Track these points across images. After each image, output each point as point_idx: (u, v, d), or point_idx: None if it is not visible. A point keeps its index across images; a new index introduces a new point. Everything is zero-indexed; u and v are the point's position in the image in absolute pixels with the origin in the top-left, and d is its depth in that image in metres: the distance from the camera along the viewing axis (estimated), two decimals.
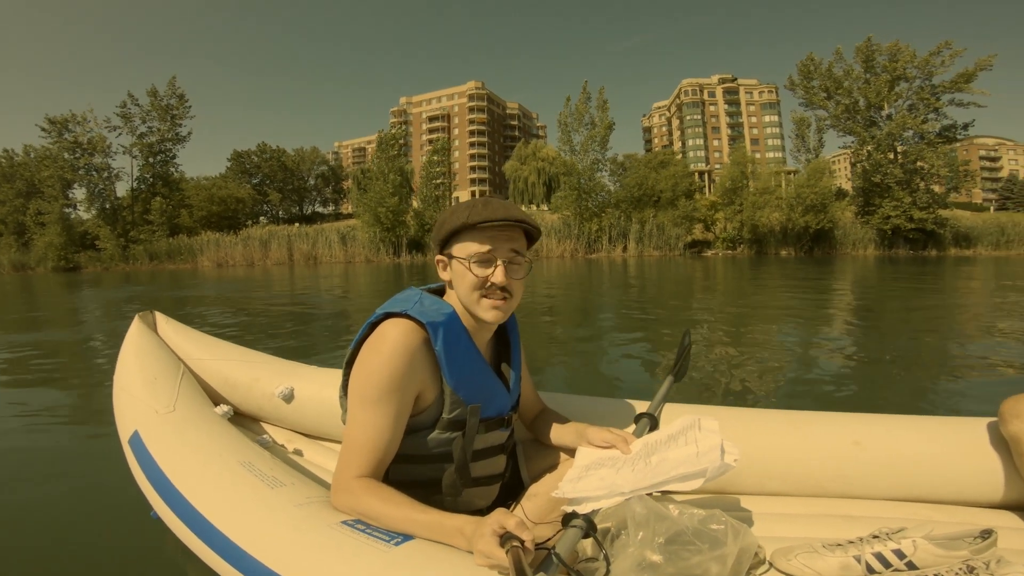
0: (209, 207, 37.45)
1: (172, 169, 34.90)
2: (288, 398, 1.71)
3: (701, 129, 69.81)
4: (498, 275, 1.00)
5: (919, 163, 26.05)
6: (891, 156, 27.00)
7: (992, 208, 44.43)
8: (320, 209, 59.20)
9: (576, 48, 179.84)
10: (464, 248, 1.01)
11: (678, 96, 73.81)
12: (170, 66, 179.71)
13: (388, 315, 1.00)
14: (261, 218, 50.46)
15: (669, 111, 77.83)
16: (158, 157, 33.92)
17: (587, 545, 0.90)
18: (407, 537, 0.85)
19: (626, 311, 7.28)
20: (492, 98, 77.61)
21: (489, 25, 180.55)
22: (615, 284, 11.87)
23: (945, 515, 1.16)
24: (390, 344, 0.95)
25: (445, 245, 1.06)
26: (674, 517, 0.89)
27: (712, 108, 71.01)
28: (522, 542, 0.74)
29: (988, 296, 8.19)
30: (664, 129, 78.61)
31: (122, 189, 34.80)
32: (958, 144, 74.67)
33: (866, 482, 1.22)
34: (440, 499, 1.07)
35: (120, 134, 33.18)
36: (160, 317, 2.02)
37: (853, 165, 29.29)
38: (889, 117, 26.90)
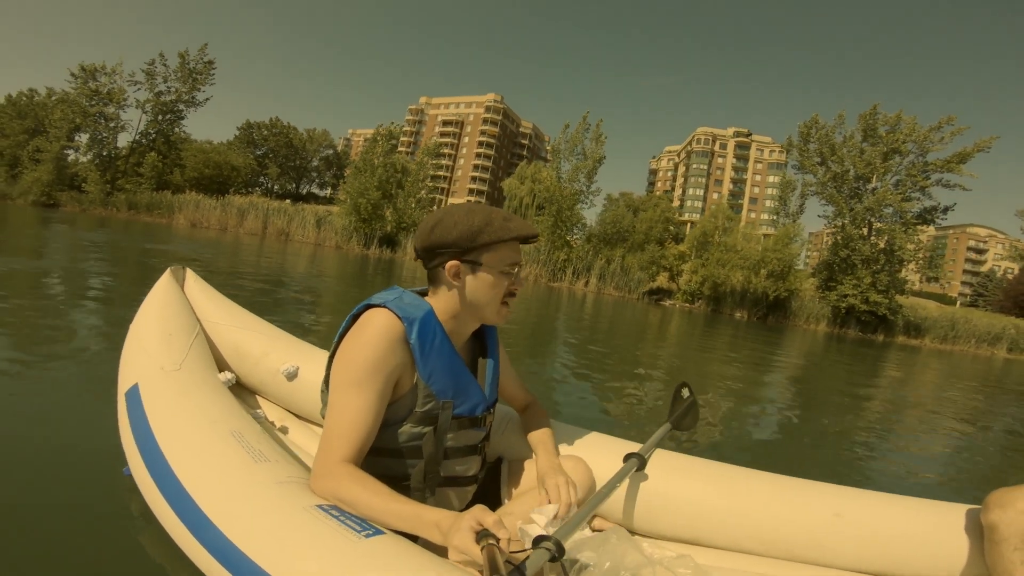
0: (202, 169, 37.90)
1: (177, 128, 35.65)
2: (292, 376, 1.69)
3: (704, 179, 70.72)
4: (519, 282, 1.11)
5: (888, 243, 26.00)
6: (864, 232, 27.01)
7: (958, 303, 44.99)
8: (316, 191, 59.89)
9: (603, 79, 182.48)
10: (501, 257, 1.07)
11: (690, 143, 74.88)
12: (202, 33, 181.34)
13: (369, 307, 1.05)
14: (256, 189, 51.08)
15: (678, 156, 78.87)
16: (167, 116, 34.66)
17: (557, 570, 0.90)
18: (378, 530, 0.85)
19: (601, 350, 7.42)
20: (508, 113, 78.78)
21: (522, 42, 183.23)
22: (581, 319, 12.11)
23: None
24: (371, 331, 0.99)
25: (469, 252, 1.06)
26: (646, 553, 0.89)
27: (720, 160, 72.00)
28: (498, 540, 0.74)
29: (943, 389, 8.64)
30: (670, 174, 79.62)
31: (123, 140, 35.57)
32: (950, 231, 74.45)
33: (840, 553, 1.24)
34: (410, 495, 1.07)
35: (140, 89, 33.98)
36: (190, 274, 2.01)
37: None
38: (874, 191, 26.67)
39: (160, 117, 34.41)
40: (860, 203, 26.77)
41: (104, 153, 33.70)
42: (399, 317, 1.02)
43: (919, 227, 26.33)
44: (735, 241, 27.13)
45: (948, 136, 25.16)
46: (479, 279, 1.07)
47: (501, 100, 76.97)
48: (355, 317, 1.06)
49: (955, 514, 1.24)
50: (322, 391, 1.11)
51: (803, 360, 10.78)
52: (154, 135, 34.74)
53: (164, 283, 1.87)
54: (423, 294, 1.15)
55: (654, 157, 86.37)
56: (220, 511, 0.92)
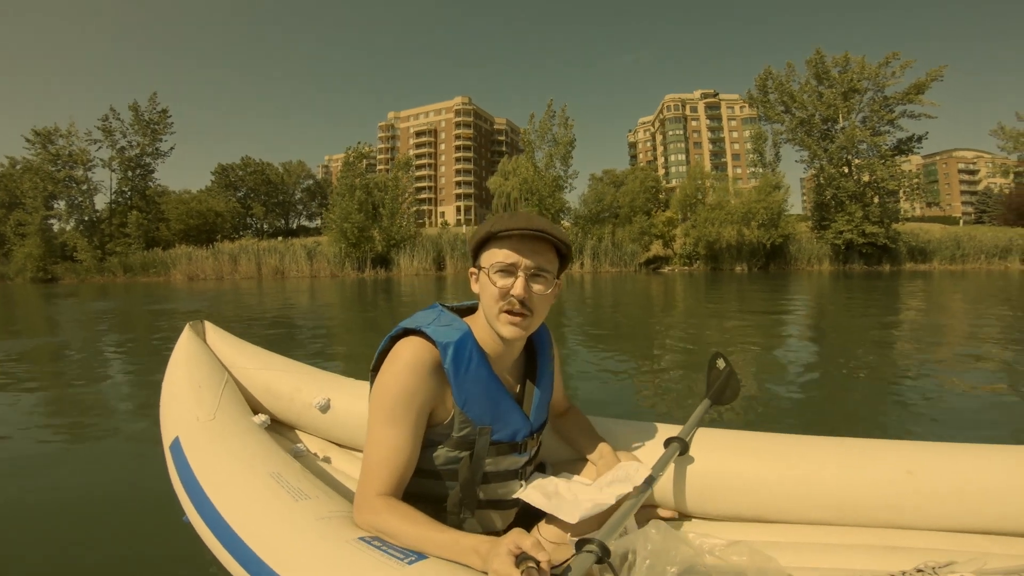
0: (187, 220, 38.12)
1: (150, 183, 35.80)
2: (325, 408, 1.74)
3: (683, 144, 70.70)
4: (517, 287, 0.99)
5: (871, 177, 26.41)
6: (845, 170, 27.32)
7: (961, 222, 44.83)
8: (306, 223, 60.06)
9: (568, 66, 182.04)
10: (489, 257, 1.02)
11: (661, 111, 74.88)
12: (157, 79, 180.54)
13: (406, 331, 1.03)
14: (246, 232, 51.15)
15: (653, 126, 78.86)
16: (137, 171, 34.83)
17: (604, 570, 0.89)
18: (421, 556, 0.86)
19: (612, 332, 7.23)
20: (479, 113, 78.77)
21: (481, 43, 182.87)
22: (583, 301, 11.99)
23: (1002, 547, 1.09)
24: (401, 363, 0.98)
25: (476, 257, 1.06)
26: (694, 546, 0.85)
27: (694, 123, 71.96)
28: (538, 563, 0.73)
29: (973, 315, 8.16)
30: (648, 144, 79.61)
31: (101, 202, 35.78)
32: (937, 158, 74.79)
33: (918, 512, 1.15)
34: (445, 517, 1.07)
35: (100, 147, 34.12)
36: (209, 326, 2.08)
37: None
38: (842, 130, 27.27)
39: (130, 173, 34.57)
40: (832, 143, 27.27)
41: (86, 218, 33.95)
42: (433, 342, 0.99)
43: (897, 157, 26.86)
44: (721, 199, 27.20)
45: (899, 70, 26.20)
46: (481, 284, 1.03)
47: (470, 102, 76.96)
48: (393, 339, 1.05)
49: None
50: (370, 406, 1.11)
51: (818, 304, 10.53)
52: (129, 192, 34.92)
53: (186, 338, 1.94)
54: (466, 312, 1.12)
55: (630, 131, 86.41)
56: (272, 552, 0.95)
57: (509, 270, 1.00)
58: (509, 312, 1.00)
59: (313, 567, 0.88)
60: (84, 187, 34.10)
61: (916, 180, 27.93)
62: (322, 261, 27.58)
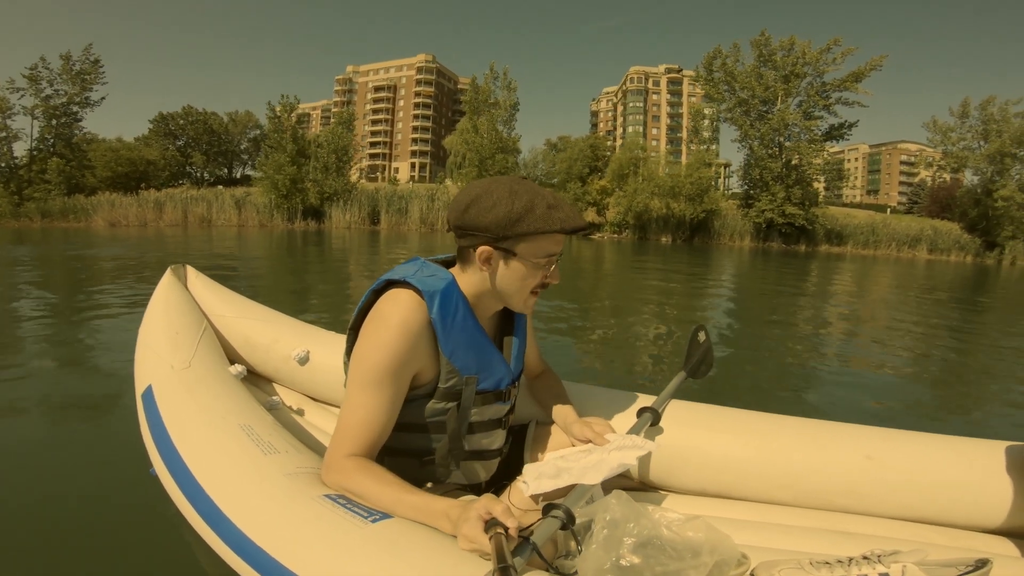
0: (114, 168, 36.47)
1: (76, 131, 34.13)
2: (303, 361, 1.70)
3: (642, 117, 71.09)
4: (555, 275, 1.02)
5: (797, 160, 27.25)
6: (775, 152, 28.11)
7: (889, 210, 47.11)
8: (251, 172, 58.04)
9: (542, 30, 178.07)
10: (538, 249, 0.98)
11: (625, 83, 74.79)
12: (102, 23, 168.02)
13: (390, 283, 1.00)
14: (184, 180, 48.96)
15: (616, 96, 78.80)
16: (62, 120, 33.13)
17: (568, 537, 0.89)
18: (385, 515, 0.85)
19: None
20: (443, 72, 76.91)
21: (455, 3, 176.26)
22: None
23: (950, 539, 1.12)
24: (391, 326, 0.94)
25: (504, 240, 0.97)
26: (652, 519, 0.86)
27: (655, 97, 72.26)
28: (506, 529, 0.74)
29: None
30: (610, 114, 79.65)
31: (21, 149, 33.80)
32: (883, 148, 77.07)
33: (874, 499, 1.17)
34: (433, 470, 1.08)
35: (24, 95, 32.10)
36: (191, 271, 2.01)
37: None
38: (777, 111, 27.86)
39: (55, 121, 32.83)
40: (765, 124, 27.85)
41: (2, 164, 32.23)
42: (420, 292, 0.97)
43: (826, 143, 27.80)
44: (651, 171, 27.80)
45: (839, 57, 26.63)
46: (511, 268, 1.00)
47: (434, 60, 74.97)
48: (375, 292, 1.02)
49: (994, 452, 1.15)
50: (345, 362, 1.07)
51: (736, 280, 10.97)
52: (52, 140, 33.24)
53: (166, 283, 1.88)
54: (448, 263, 1.09)
55: (593, 99, 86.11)
56: (234, 505, 0.94)
57: (554, 261, 1.01)
58: (534, 294, 1.04)
59: (275, 523, 0.88)
60: (3, 135, 32.21)
61: (837, 168, 28.93)
62: (251, 211, 26.95)
